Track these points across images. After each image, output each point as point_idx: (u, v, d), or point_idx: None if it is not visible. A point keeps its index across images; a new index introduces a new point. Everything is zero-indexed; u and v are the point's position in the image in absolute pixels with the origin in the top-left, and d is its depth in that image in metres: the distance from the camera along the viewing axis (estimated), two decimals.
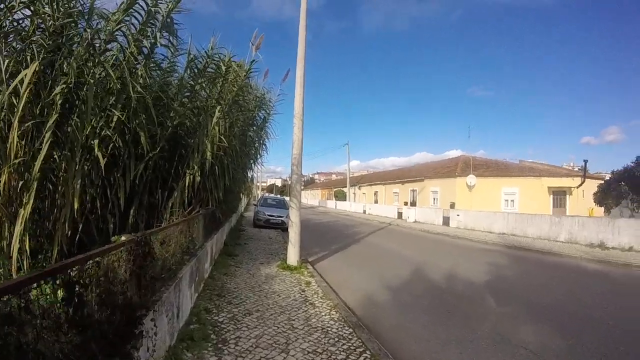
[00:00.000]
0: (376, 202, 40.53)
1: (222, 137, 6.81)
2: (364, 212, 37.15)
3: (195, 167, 6.33)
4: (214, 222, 8.21)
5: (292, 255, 8.50)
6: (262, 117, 10.66)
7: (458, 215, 23.50)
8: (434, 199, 30.48)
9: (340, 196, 51.43)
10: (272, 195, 33.10)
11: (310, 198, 78.62)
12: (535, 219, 19.52)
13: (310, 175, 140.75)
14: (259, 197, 21.65)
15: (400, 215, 30.06)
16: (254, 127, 10.18)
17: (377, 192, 41.43)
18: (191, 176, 6.31)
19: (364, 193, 45.98)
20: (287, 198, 21.49)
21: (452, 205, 26.90)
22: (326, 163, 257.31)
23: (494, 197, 27.55)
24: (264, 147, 12.27)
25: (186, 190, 6.28)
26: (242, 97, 8.53)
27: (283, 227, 16.72)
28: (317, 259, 10.34)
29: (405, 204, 31.67)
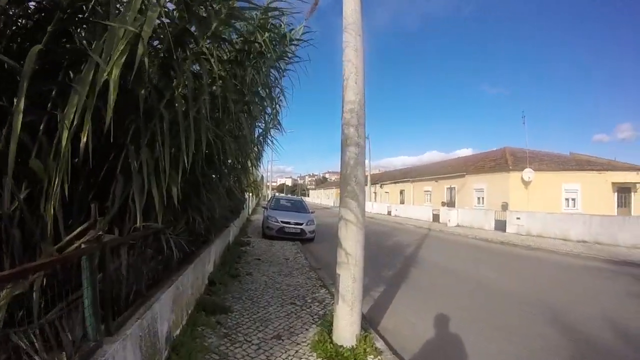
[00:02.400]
0: (402, 202, 35.68)
1: None
2: (389, 213, 32.35)
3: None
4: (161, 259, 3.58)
5: (347, 326, 3.79)
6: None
7: (518, 218, 18.72)
8: (479, 198, 25.59)
9: None
10: (286, 195, 27.98)
11: (324, 198, 74.02)
12: (629, 223, 14.87)
13: (322, 175, 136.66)
14: (269, 197, 16.92)
15: (436, 217, 25.28)
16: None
17: (403, 190, 36.55)
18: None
19: (386, 192, 41.10)
20: (304, 198, 16.85)
21: (505, 206, 22.08)
22: (336, 162, 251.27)
23: (553, 195, 22.68)
24: (277, 114, 7.98)
25: None
26: None
27: (303, 238, 12.16)
28: (375, 307, 5.74)
29: (443, 204, 26.86)
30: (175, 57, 2.94)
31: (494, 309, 5.75)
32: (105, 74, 2.16)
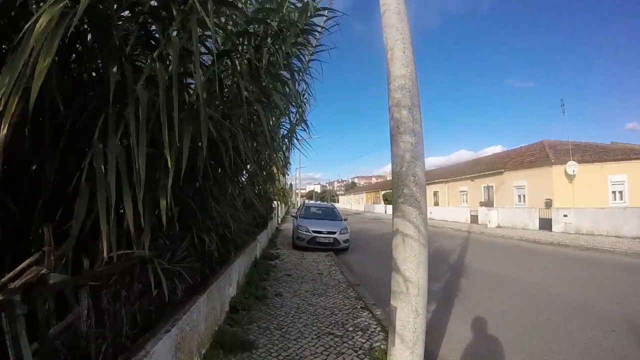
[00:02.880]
0: (436, 204, 34.08)
1: None
2: None
3: None
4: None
5: None
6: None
7: (565, 215, 17.18)
8: (520, 195, 23.88)
9: (390, 199, 45.12)
10: (315, 202, 27.01)
11: (354, 203, 72.87)
12: None
13: (350, 180, 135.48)
14: (299, 205, 16.14)
15: (474, 219, 23.76)
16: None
17: (436, 192, 34.93)
18: None
19: None
20: (336, 205, 15.97)
21: (549, 203, 20.46)
22: (364, 166, 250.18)
23: (598, 188, 20.84)
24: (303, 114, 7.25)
25: None
26: None
27: (336, 248, 11.26)
28: (429, 331, 4.74)
29: (481, 204, 25.25)
30: (160, 14, 2.15)
31: (576, 330, 4.62)
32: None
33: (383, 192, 50.52)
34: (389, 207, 41.55)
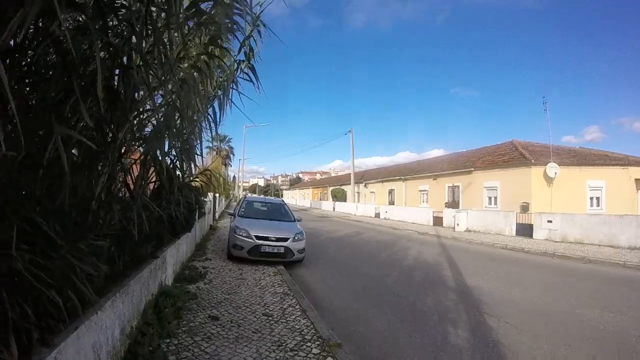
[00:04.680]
0: (392, 202, 31.95)
1: None
2: (377, 215, 28.50)
3: None
4: None
5: None
6: None
7: (550, 221, 15.31)
8: (491, 197, 22.08)
9: (340, 196, 42.65)
10: (259, 196, 22.85)
11: (299, 198, 69.91)
12: None
13: (295, 175, 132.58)
14: (240, 199, 12.57)
15: (438, 220, 21.70)
16: None
17: (392, 190, 32.76)
18: None
19: (372, 192, 37.22)
20: (281, 200, 12.61)
21: (525, 207, 18.76)
22: (308, 162, 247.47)
23: (576, 193, 19.53)
24: None
25: None
26: None
27: (288, 260, 8.12)
28: None
29: (447, 205, 23.31)
30: None
31: None
32: None
33: (332, 188, 47.89)
34: (339, 204, 39.06)
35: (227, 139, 50.06)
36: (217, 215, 19.47)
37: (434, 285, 7.28)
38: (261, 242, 8.00)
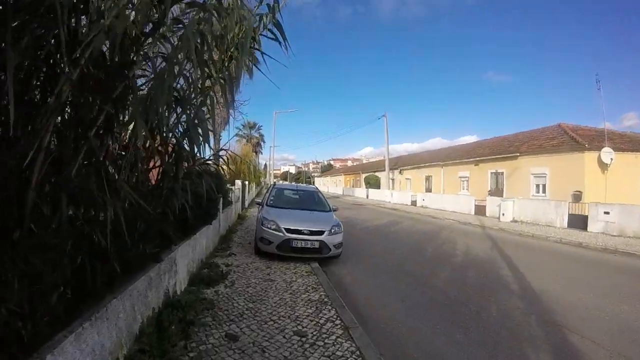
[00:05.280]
0: (429, 190, 30.28)
1: None
2: (414, 204, 26.94)
3: None
4: None
5: None
6: None
7: (607, 213, 13.52)
8: (538, 185, 20.23)
9: (373, 183, 41.20)
10: (290, 183, 21.69)
11: (331, 185, 68.88)
12: None
13: (326, 162, 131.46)
14: (269, 186, 11.52)
15: (480, 210, 20.07)
16: None
17: (430, 177, 31.07)
18: None
19: (407, 179, 35.58)
20: (314, 187, 11.47)
21: (578, 196, 16.87)
22: (339, 149, 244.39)
23: (631, 182, 17.45)
24: None
25: None
26: None
27: (324, 256, 7.11)
28: None
29: (490, 193, 21.60)
30: None
31: None
32: None
33: (365, 175, 46.48)
34: (372, 191, 37.68)
35: (257, 126, 49.66)
36: (246, 203, 18.74)
37: (494, 288, 6.10)
38: (293, 235, 6.99)
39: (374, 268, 7.32)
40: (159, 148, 3.42)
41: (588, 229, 14.08)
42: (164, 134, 3.34)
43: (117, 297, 2.59)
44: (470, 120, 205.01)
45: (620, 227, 13.07)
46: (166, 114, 2.94)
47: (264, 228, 7.17)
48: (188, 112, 3.22)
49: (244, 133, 48.17)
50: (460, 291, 5.85)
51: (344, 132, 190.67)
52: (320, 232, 7.13)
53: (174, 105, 3.09)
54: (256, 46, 4.10)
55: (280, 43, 3.86)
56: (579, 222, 14.84)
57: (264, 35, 4.06)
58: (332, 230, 7.27)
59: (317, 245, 7.00)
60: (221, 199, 8.36)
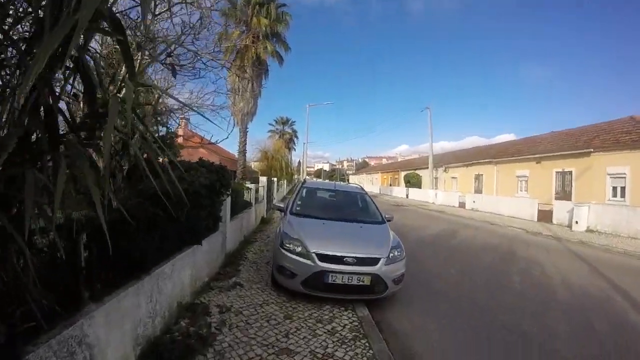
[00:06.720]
0: (478, 190, 26.88)
1: None
2: (462, 206, 23.66)
3: None
4: None
5: None
6: None
7: None
8: (616, 188, 16.82)
9: (414, 181, 38.04)
10: (324, 181, 19.06)
11: (367, 183, 65.80)
12: None
13: (361, 159, 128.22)
14: (297, 186, 8.84)
15: (544, 215, 16.78)
16: None
17: (480, 175, 27.67)
18: None
19: (453, 177, 32.23)
20: (358, 186, 8.72)
21: None
22: (373, 147, 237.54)
23: None
24: None
25: None
26: None
27: (375, 297, 4.53)
28: None
29: (557, 195, 18.26)
30: None
31: None
32: None
33: (404, 173, 43.27)
34: (412, 191, 34.54)
35: (290, 122, 47.66)
36: (275, 199, 16.36)
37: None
38: (328, 265, 4.46)
39: (455, 315, 4.74)
40: None
41: None
42: None
43: None
44: (507, 118, 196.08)
45: None
46: None
47: (283, 251, 4.69)
48: None
49: (277, 129, 46.49)
50: None
51: (380, 129, 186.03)
52: (374, 261, 4.59)
53: None
54: None
55: None
56: None
57: None
58: (391, 256, 4.72)
59: (367, 281, 4.48)
60: (228, 201, 6.04)
